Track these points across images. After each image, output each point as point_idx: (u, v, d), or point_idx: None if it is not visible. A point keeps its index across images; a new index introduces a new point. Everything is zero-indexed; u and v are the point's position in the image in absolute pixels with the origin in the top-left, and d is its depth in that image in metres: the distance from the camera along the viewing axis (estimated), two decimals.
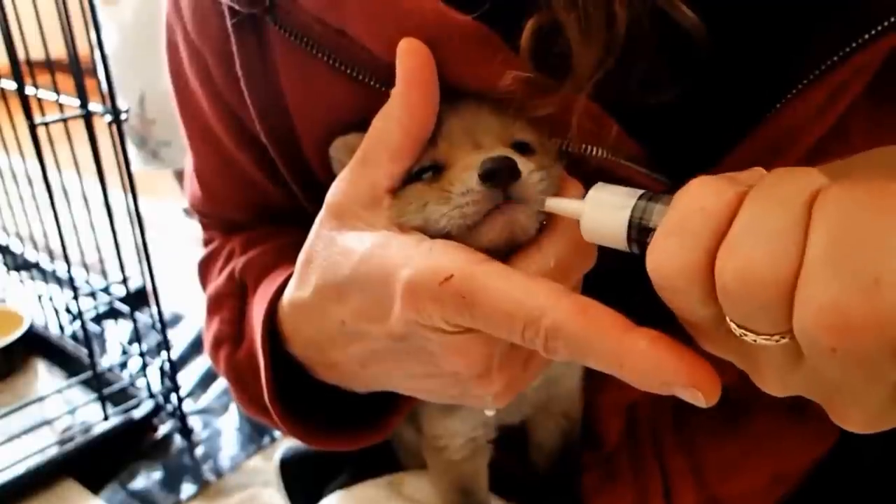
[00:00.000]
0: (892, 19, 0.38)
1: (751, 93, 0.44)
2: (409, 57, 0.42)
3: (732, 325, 0.30)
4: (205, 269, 0.65)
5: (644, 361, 0.32)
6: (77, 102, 1.21)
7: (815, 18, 0.42)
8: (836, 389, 0.30)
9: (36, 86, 1.23)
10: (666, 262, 0.31)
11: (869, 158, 0.41)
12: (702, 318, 0.32)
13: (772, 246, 0.28)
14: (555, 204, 0.38)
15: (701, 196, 0.31)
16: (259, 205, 0.61)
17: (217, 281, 0.60)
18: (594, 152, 0.44)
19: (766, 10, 0.43)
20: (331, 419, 0.53)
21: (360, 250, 0.41)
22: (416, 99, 0.42)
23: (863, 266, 0.26)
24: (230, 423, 1.58)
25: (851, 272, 0.26)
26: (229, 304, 0.58)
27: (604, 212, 0.36)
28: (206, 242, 0.66)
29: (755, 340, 0.30)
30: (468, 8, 0.43)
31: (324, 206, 0.45)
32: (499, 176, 0.38)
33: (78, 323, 1.43)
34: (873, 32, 0.39)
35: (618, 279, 0.42)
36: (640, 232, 0.34)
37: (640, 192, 0.35)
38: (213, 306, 0.59)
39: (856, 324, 0.25)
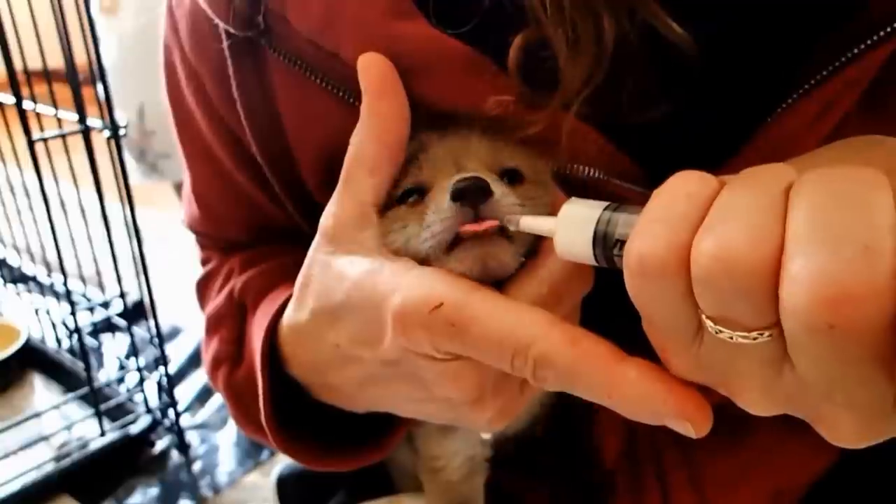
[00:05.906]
0: (882, 33, 0.39)
1: (743, 107, 0.44)
2: (371, 68, 0.43)
3: (708, 323, 0.28)
4: (203, 288, 0.65)
5: (633, 392, 0.32)
6: (75, 117, 1.21)
7: (807, 32, 0.42)
8: (827, 395, 0.28)
9: (34, 99, 1.23)
10: (650, 244, 0.29)
11: (830, 151, 0.40)
12: (678, 323, 0.30)
13: (751, 223, 0.26)
14: (529, 223, 0.37)
15: (685, 183, 0.30)
16: (258, 224, 0.61)
17: (216, 301, 0.60)
18: (586, 172, 0.44)
19: (757, 24, 0.43)
20: (329, 439, 0.53)
21: (352, 275, 0.41)
22: (385, 108, 0.43)
23: (850, 234, 0.24)
24: (228, 439, 1.57)
25: (839, 240, 0.24)
26: (228, 324, 0.58)
27: (574, 227, 0.34)
28: (204, 262, 0.67)
29: (732, 338, 0.28)
30: (456, 25, 0.43)
31: (318, 230, 0.45)
32: (469, 195, 0.38)
33: (75, 337, 1.42)
34: (864, 45, 0.39)
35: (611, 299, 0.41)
36: (605, 244, 0.33)
37: (607, 203, 0.34)
38: (213, 326, 0.59)
39: (854, 292, 0.24)
